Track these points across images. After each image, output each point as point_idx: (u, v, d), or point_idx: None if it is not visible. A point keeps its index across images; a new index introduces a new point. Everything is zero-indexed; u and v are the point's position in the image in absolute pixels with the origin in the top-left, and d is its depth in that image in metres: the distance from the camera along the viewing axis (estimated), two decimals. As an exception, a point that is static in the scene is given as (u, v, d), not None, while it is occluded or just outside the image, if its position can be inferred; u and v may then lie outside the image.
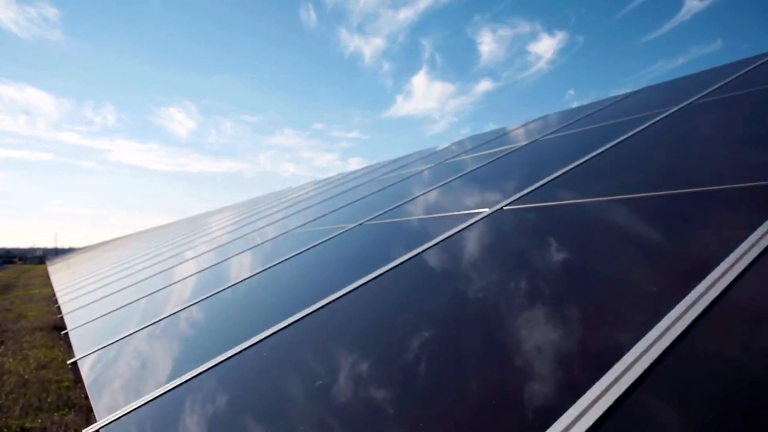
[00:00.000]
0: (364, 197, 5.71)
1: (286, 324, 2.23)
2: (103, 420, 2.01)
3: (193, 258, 6.25)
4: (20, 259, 49.71)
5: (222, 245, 6.35)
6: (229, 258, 5.00)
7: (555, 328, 1.39)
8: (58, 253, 58.77)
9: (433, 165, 6.29)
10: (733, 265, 1.37)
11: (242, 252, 5.04)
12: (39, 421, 3.50)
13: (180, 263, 6.23)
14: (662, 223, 1.84)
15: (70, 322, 4.84)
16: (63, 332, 4.57)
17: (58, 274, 15.96)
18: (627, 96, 5.66)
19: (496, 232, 2.43)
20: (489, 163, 4.71)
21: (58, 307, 7.63)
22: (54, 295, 11.47)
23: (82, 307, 5.28)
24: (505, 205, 2.83)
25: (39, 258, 50.02)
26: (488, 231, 2.49)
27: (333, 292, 2.43)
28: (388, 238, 3.17)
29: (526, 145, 4.94)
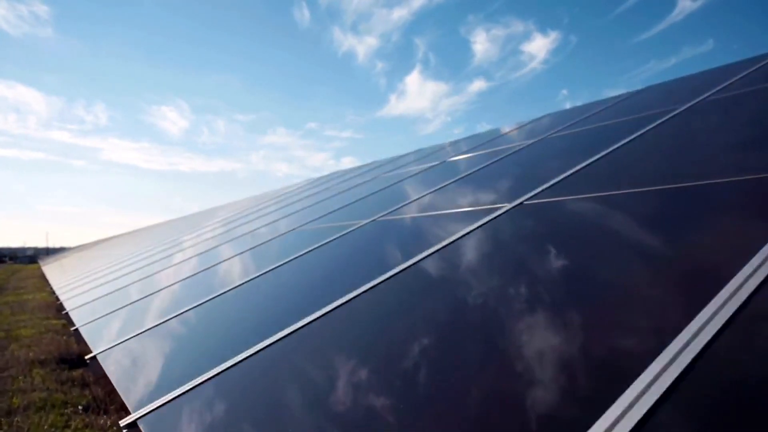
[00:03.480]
0: (371, 194, 5.18)
1: (307, 321, 2.07)
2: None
3: (205, 252, 5.32)
4: (11, 259, 48.98)
5: (230, 241, 5.35)
6: (242, 253, 4.37)
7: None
8: (49, 252, 57.84)
9: (441, 161, 5.67)
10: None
11: (257, 247, 4.44)
12: None
13: (191, 261, 5.19)
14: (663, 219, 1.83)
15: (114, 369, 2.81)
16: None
17: (58, 276, 14.29)
18: (638, 92, 5.38)
19: (517, 226, 2.38)
20: (500, 159, 4.44)
21: (65, 324, 6.06)
22: (55, 302, 9.75)
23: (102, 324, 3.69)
24: (526, 200, 2.76)
25: (30, 258, 49.27)
26: (509, 225, 2.44)
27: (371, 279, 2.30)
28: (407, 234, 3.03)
29: (534, 142, 4.68)
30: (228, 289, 3.17)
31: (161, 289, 3.85)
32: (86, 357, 2.65)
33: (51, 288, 13.64)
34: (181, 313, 2.97)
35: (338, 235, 3.72)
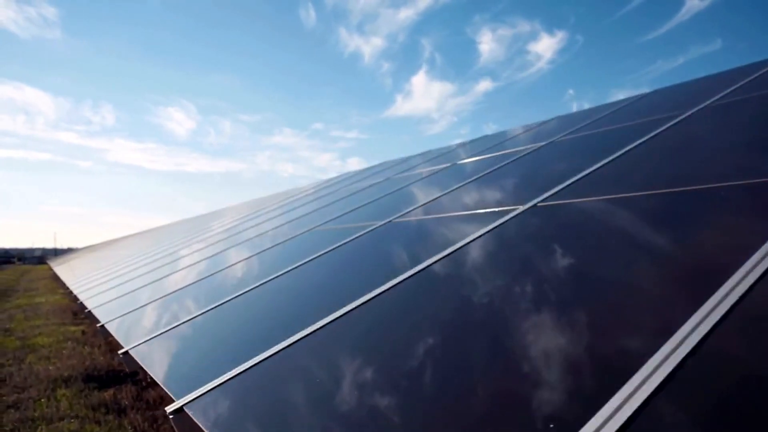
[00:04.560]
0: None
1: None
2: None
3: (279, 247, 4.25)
4: (19, 259, 48.99)
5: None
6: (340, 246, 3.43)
7: None
8: (57, 253, 57.67)
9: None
10: None
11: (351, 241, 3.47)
12: None
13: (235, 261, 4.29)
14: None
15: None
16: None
17: (74, 278, 13.67)
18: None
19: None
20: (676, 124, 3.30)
21: (84, 331, 5.42)
22: (70, 305, 9.00)
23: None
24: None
25: (38, 258, 49.24)
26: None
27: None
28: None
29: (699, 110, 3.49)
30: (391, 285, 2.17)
31: (232, 299, 3.04)
32: (168, 410, 1.80)
33: (64, 290, 13.07)
34: (306, 336, 2.02)
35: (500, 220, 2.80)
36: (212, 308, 3.05)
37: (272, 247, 4.59)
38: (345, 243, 3.47)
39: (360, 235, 3.49)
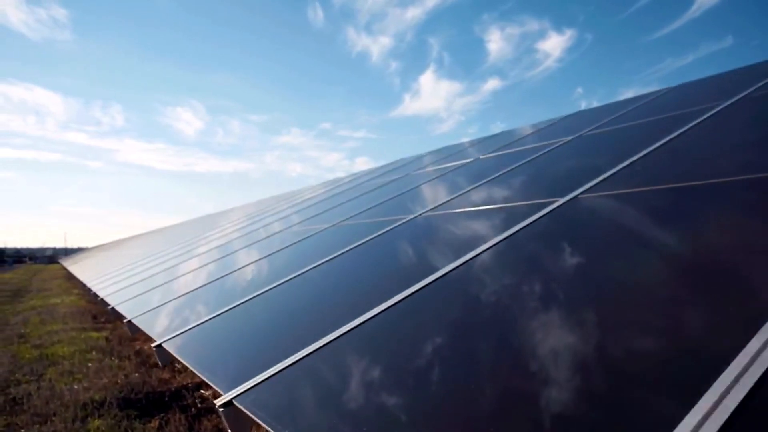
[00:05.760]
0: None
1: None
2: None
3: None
4: (30, 259, 49.16)
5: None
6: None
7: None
8: (68, 252, 57.65)
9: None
10: None
11: None
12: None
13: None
14: None
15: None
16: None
17: (95, 279, 13.00)
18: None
19: None
20: None
21: (108, 338, 4.67)
22: (87, 307, 8.36)
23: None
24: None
25: (49, 258, 49.29)
26: None
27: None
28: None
29: None
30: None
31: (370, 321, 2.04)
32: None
33: (79, 290, 12.41)
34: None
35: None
36: (354, 327, 2.27)
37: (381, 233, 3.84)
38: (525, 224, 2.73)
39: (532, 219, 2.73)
